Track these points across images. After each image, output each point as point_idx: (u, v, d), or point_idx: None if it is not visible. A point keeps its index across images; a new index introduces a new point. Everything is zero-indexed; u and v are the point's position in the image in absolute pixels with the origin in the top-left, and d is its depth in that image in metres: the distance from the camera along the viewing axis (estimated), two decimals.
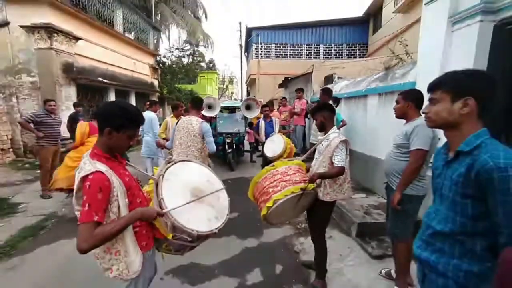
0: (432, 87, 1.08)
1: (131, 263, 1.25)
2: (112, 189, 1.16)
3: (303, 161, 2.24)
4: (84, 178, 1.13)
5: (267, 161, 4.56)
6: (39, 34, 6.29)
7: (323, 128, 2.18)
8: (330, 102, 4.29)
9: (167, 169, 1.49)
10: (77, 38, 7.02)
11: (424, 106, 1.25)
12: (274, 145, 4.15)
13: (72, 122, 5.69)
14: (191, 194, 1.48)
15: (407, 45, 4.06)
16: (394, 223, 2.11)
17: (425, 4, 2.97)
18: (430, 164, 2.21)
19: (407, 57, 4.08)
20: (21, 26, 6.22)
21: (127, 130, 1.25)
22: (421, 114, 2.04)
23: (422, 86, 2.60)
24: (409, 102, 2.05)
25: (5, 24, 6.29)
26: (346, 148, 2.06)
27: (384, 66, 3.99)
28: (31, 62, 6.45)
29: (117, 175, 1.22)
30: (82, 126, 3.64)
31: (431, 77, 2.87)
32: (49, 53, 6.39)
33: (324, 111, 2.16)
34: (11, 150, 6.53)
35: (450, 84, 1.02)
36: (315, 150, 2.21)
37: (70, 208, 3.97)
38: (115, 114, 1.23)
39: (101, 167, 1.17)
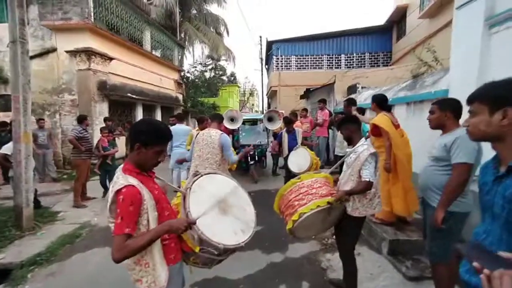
0: (470, 99, 1.06)
1: (158, 277, 1.27)
2: (142, 202, 1.20)
3: (330, 173, 2.18)
4: (117, 192, 1.18)
5: (290, 175, 4.46)
6: (80, 57, 6.98)
7: (351, 141, 2.13)
8: (355, 112, 4.18)
9: (194, 181, 1.52)
10: (111, 59, 7.65)
11: (465, 118, 1.19)
12: (299, 159, 4.02)
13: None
14: (218, 207, 1.50)
15: (435, 51, 3.87)
16: (434, 242, 1.94)
17: (456, 8, 2.84)
18: (474, 178, 2.05)
19: (436, 63, 3.88)
20: (66, 51, 6.94)
21: (154, 146, 1.29)
22: (460, 124, 1.91)
23: (456, 94, 2.47)
24: (447, 112, 1.91)
25: (54, 50, 7.07)
26: (376, 161, 1.98)
27: (412, 74, 3.82)
28: (72, 82, 7.13)
29: (147, 188, 1.26)
30: None
31: (467, 84, 2.75)
32: (87, 73, 7.04)
33: (349, 124, 2.12)
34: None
35: (487, 94, 0.99)
36: (343, 162, 2.14)
37: (101, 218, 4.20)
38: (144, 131, 1.29)
39: (133, 181, 1.22)
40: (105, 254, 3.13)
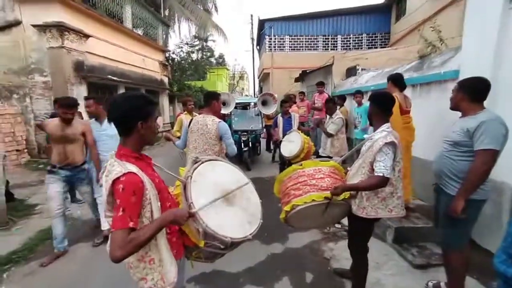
0: None
1: (166, 273, 1.17)
2: (145, 191, 1.09)
3: (343, 162, 1.97)
4: (116, 181, 1.05)
5: (284, 160, 4.32)
6: (51, 33, 6.22)
7: (372, 122, 1.88)
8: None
9: (194, 169, 1.39)
10: (87, 36, 6.93)
11: None
12: (291, 143, 3.89)
13: None
14: (221, 196, 1.38)
15: (440, 31, 3.67)
16: (449, 230, 1.86)
17: None
18: None
19: (441, 44, 3.70)
20: (33, 26, 6.16)
21: (152, 115, 1.22)
22: (485, 107, 1.76)
23: (468, 75, 2.29)
24: (461, 93, 1.78)
25: (17, 23, 6.25)
26: (395, 153, 1.66)
27: (419, 54, 3.63)
28: (43, 61, 6.41)
29: (147, 176, 1.14)
30: None
31: (481, 64, 2.56)
32: (61, 52, 6.33)
33: (373, 103, 1.83)
34: (26, 150, 6.55)
35: None
36: (358, 150, 1.93)
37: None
38: (139, 106, 1.17)
39: (132, 167, 1.09)
40: (91, 249, 2.92)
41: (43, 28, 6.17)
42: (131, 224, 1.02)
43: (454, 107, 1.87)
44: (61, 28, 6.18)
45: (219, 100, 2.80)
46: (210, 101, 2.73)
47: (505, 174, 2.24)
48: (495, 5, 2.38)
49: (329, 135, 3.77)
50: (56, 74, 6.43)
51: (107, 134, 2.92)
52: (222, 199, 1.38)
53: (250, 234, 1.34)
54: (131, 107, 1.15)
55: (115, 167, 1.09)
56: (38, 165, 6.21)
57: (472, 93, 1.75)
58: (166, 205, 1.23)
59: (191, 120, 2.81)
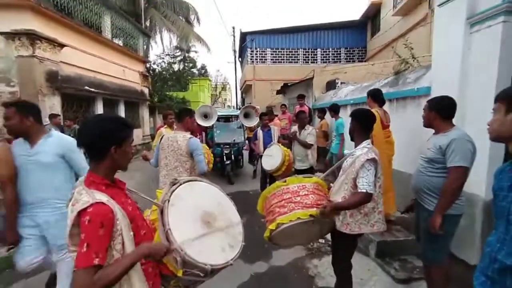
0: (495, 98, 1.04)
1: None
2: (115, 222, 1.01)
3: (325, 177, 1.97)
4: (82, 212, 0.97)
5: (265, 174, 4.28)
6: (20, 41, 5.87)
7: (353, 139, 1.91)
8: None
9: (172, 192, 1.31)
10: (62, 45, 6.63)
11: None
12: (272, 157, 3.87)
13: None
14: (201, 220, 1.32)
15: (412, 48, 3.91)
16: (428, 245, 1.89)
17: (438, 5, 2.82)
18: None
19: (413, 60, 3.93)
20: (0, 33, 5.79)
21: (129, 138, 1.15)
22: (455, 125, 1.85)
23: (439, 92, 2.44)
24: (432, 112, 1.87)
25: None
26: (376, 169, 1.71)
27: (394, 71, 3.81)
28: (10, 70, 6.00)
29: (119, 204, 1.06)
30: None
31: (450, 82, 2.72)
32: (31, 61, 5.97)
33: (354, 120, 1.86)
34: None
35: (507, 94, 1.00)
36: (340, 166, 1.93)
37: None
38: (112, 129, 1.10)
39: (101, 197, 1.02)
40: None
41: (11, 35, 5.82)
42: (96, 261, 0.93)
43: (427, 125, 1.96)
44: (32, 36, 5.86)
45: (193, 116, 2.75)
46: (183, 117, 2.67)
47: (476, 187, 2.35)
48: (458, 30, 2.57)
49: (309, 146, 3.76)
50: (25, 84, 6.02)
51: (37, 161, 1.74)
52: (201, 224, 1.30)
53: (231, 260, 1.30)
54: (104, 131, 1.07)
55: (82, 196, 1.01)
56: None
57: (441, 112, 1.84)
58: (140, 234, 1.15)
59: (162, 137, 2.72)
